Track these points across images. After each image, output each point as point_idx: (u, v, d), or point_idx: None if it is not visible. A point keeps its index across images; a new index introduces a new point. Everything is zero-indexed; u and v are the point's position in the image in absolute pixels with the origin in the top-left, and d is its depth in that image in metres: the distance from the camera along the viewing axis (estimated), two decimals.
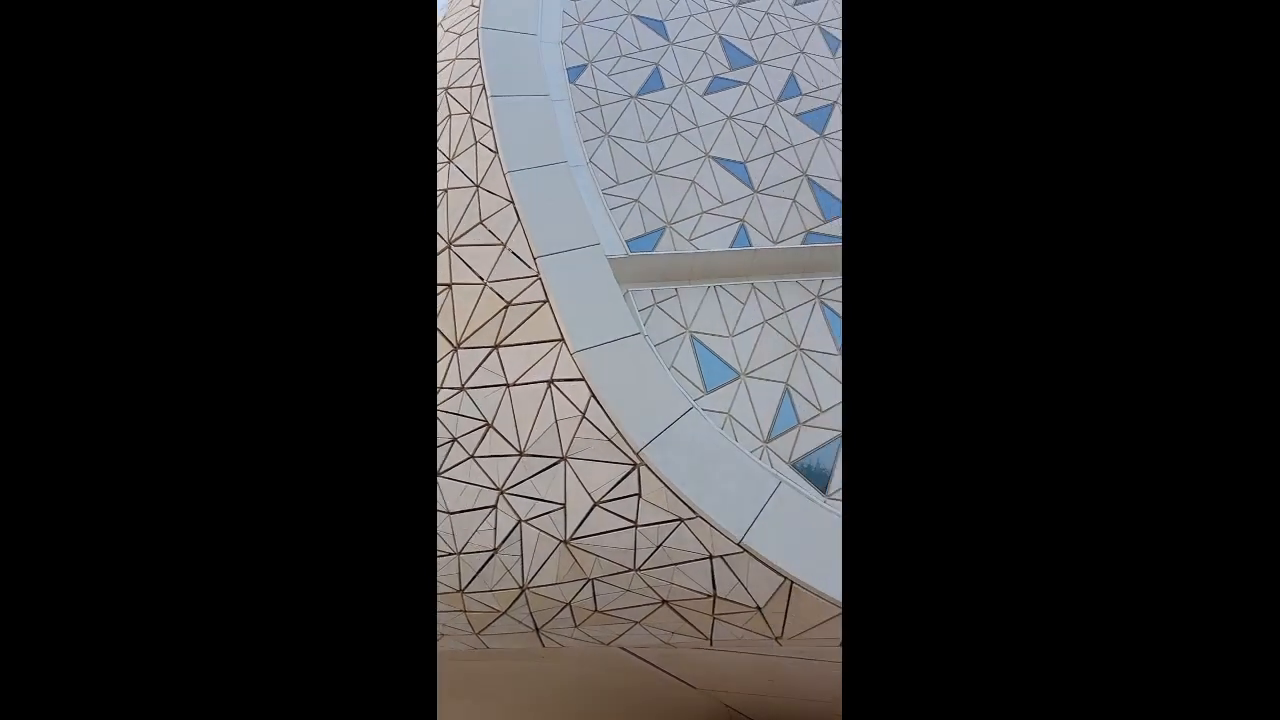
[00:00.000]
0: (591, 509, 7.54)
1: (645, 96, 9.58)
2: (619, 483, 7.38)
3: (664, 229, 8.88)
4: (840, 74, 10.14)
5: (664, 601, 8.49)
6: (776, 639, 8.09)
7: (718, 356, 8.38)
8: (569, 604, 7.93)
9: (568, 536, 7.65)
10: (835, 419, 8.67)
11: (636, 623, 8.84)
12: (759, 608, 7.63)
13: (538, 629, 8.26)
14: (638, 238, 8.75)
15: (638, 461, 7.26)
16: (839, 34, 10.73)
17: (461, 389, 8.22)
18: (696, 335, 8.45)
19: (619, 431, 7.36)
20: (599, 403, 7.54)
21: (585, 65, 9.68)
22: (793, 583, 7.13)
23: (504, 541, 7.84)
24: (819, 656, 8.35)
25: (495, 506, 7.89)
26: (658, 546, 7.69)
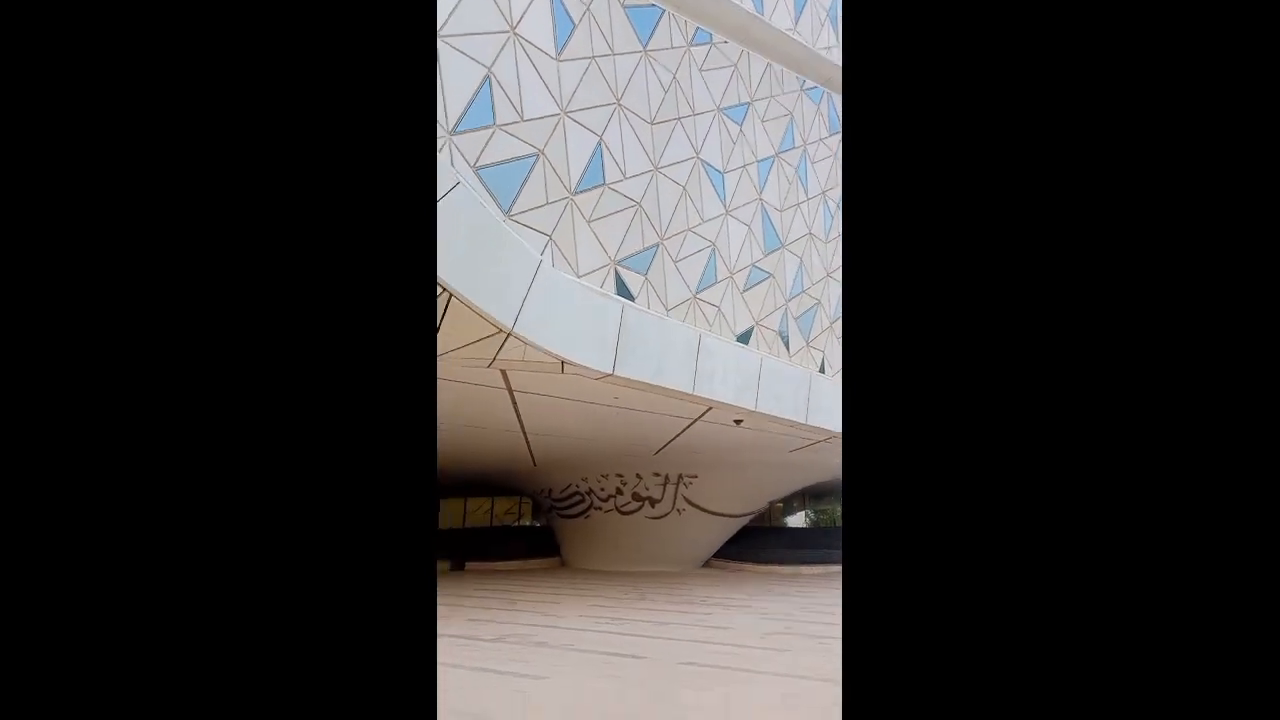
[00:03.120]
0: None
1: None
2: None
3: None
4: None
5: None
6: None
7: None
8: None
9: None
10: (538, 134, 7.64)
11: None
12: None
13: None
14: None
15: None
16: None
17: None
18: None
19: None
20: None
21: None
22: (452, 296, 6.39)
23: None
24: (463, 378, 8.23)
25: None
26: None
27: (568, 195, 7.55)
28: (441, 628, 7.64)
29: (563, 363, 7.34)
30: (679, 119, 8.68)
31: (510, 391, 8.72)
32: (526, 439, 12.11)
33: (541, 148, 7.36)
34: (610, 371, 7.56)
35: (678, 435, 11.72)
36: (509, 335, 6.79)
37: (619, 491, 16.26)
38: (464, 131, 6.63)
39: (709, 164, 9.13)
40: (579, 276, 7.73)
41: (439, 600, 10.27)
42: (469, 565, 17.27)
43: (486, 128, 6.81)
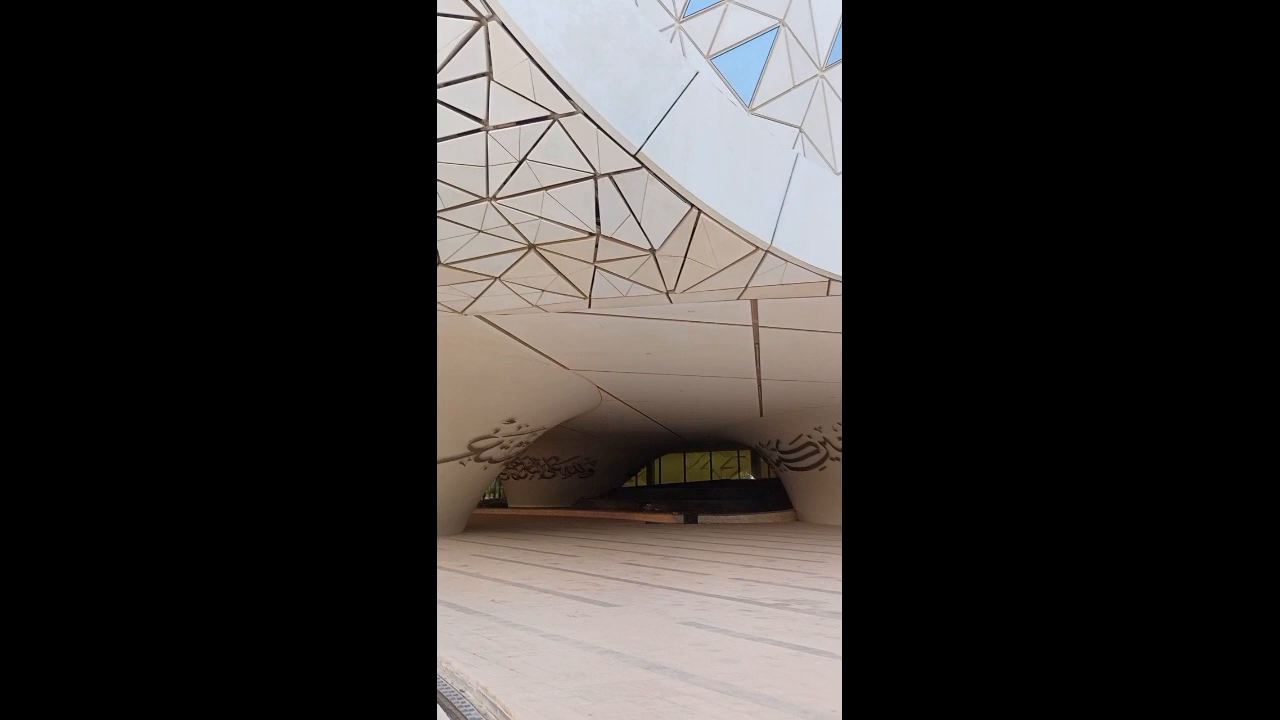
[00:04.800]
0: None
1: None
2: (456, 51, 4.60)
3: None
4: None
5: (530, 246, 6.66)
6: (668, 294, 6.84)
7: None
8: None
9: None
10: (774, 3, 6.26)
11: (495, 277, 7.10)
12: (653, 250, 6.09)
13: None
14: None
15: (483, 14, 4.41)
16: None
17: None
18: None
19: None
20: None
21: None
22: (700, 213, 5.44)
23: None
24: (706, 316, 7.35)
25: None
26: (520, 161, 5.46)
27: (817, 72, 6.08)
28: (707, 587, 7.09)
29: (829, 281, 6.02)
30: None
31: (755, 328, 7.67)
32: (760, 385, 11.08)
33: (782, 17, 5.96)
34: None
35: None
36: (767, 253, 5.66)
37: None
38: (694, 14, 5.56)
39: None
40: (836, 174, 6.27)
41: (693, 554, 9.91)
42: (701, 519, 17.13)
43: (717, 5, 5.65)
